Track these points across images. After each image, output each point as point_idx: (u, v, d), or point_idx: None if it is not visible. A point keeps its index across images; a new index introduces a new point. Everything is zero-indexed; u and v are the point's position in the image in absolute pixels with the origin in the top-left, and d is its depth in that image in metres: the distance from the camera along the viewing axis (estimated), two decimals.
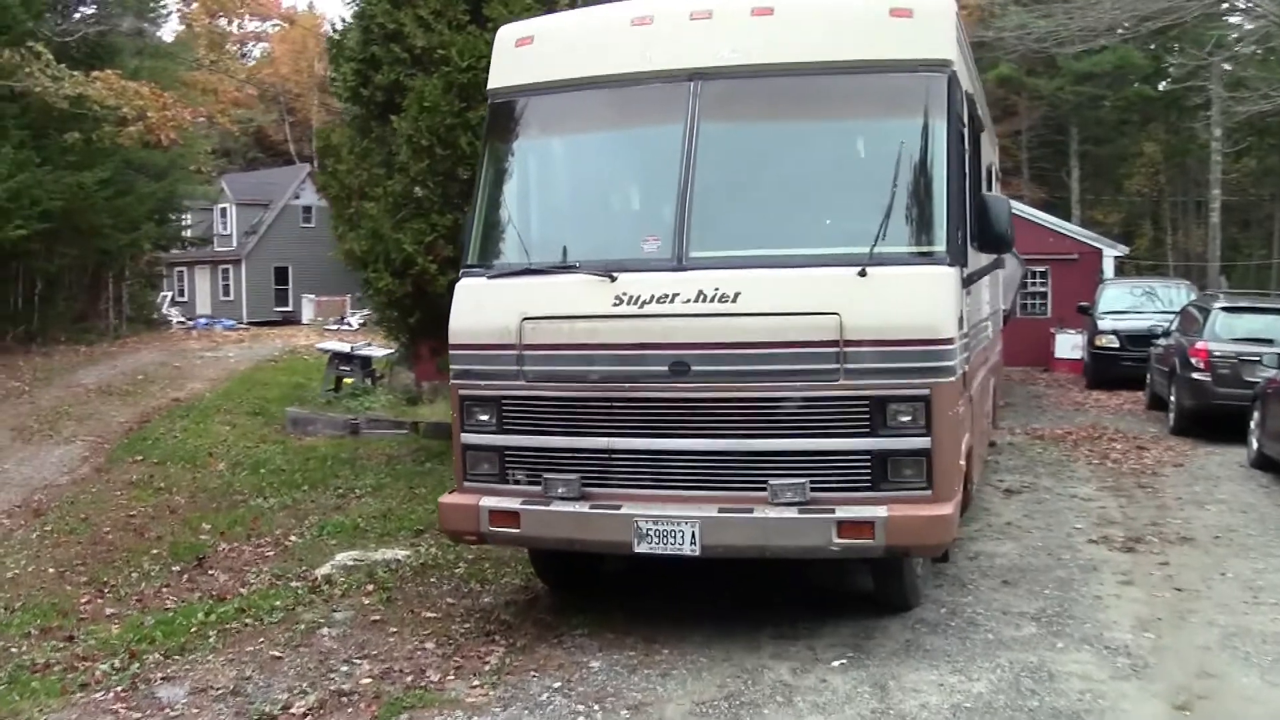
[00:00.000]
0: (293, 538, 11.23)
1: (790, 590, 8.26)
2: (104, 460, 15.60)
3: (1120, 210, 49.30)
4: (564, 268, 7.56)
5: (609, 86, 7.83)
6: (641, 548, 7.00)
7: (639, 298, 7.15)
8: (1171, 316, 19.89)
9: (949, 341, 6.96)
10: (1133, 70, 40.78)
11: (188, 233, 46.99)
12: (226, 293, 56.61)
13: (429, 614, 8.19)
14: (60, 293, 33.01)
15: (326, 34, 17.51)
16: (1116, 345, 22.42)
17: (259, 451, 15.98)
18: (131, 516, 12.24)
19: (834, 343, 6.84)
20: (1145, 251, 47.33)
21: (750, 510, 6.87)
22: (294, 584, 9.44)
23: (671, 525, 6.95)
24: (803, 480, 6.85)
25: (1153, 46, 43.77)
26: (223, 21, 62.11)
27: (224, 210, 55.75)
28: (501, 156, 8.31)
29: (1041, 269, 28.95)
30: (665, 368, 7.07)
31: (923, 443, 6.86)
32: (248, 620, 8.31)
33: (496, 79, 8.29)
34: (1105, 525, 10.53)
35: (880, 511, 6.74)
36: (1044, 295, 29.22)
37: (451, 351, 7.88)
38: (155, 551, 10.78)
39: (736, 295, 7.00)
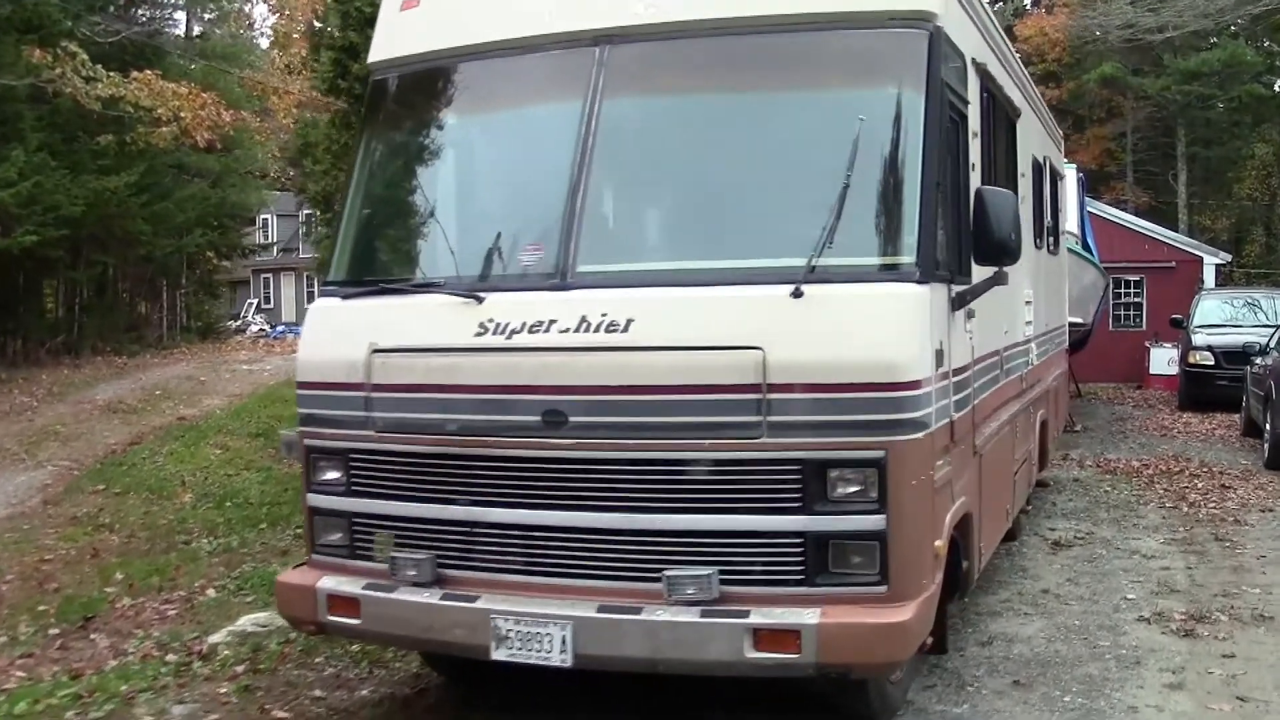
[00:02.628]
0: (210, 591, 9.72)
1: (742, 689, 6.47)
2: (62, 490, 14.26)
3: (1230, 216, 46.28)
4: (423, 286, 5.94)
5: (499, 56, 6.18)
6: (499, 654, 5.33)
7: (507, 325, 5.47)
8: (1271, 331, 17.67)
9: (914, 385, 5.16)
10: (1243, 68, 38.16)
11: (255, 239, 46.25)
12: (311, 299, 55.97)
13: (280, 714, 6.58)
14: (106, 301, 32.20)
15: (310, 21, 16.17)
16: (1211, 362, 20.24)
17: (236, 481, 14.55)
18: (46, 561, 10.82)
19: (755, 387, 5.09)
20: (1256, 259, 44.37)
21: (638, 610, 5.15)
22: (170, 657, 7.90)
23: (537, 627, 5.26)
24: (709, 571, 5.11)
25: (1265, 43, 41.13)
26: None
27: (309, 217, 55.17)
28: (375, 146, 6.71)
29: (1135, 278, 26.81)
30: (537, 417, 5.38)
31: (874, 522, 5.09)
32: (70, 714, 6.78)
33: (376, 51, 6.70)
34: (1164, 595, 8.59)
35: (809, 617, 4.98)
36: (1138, 306, 27.00)
37: (297, 390, 6.29)
38: (43, 608, 9.33)
39: (628, 322, 5.28)
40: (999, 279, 6.10)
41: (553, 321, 5.39)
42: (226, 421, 18.84)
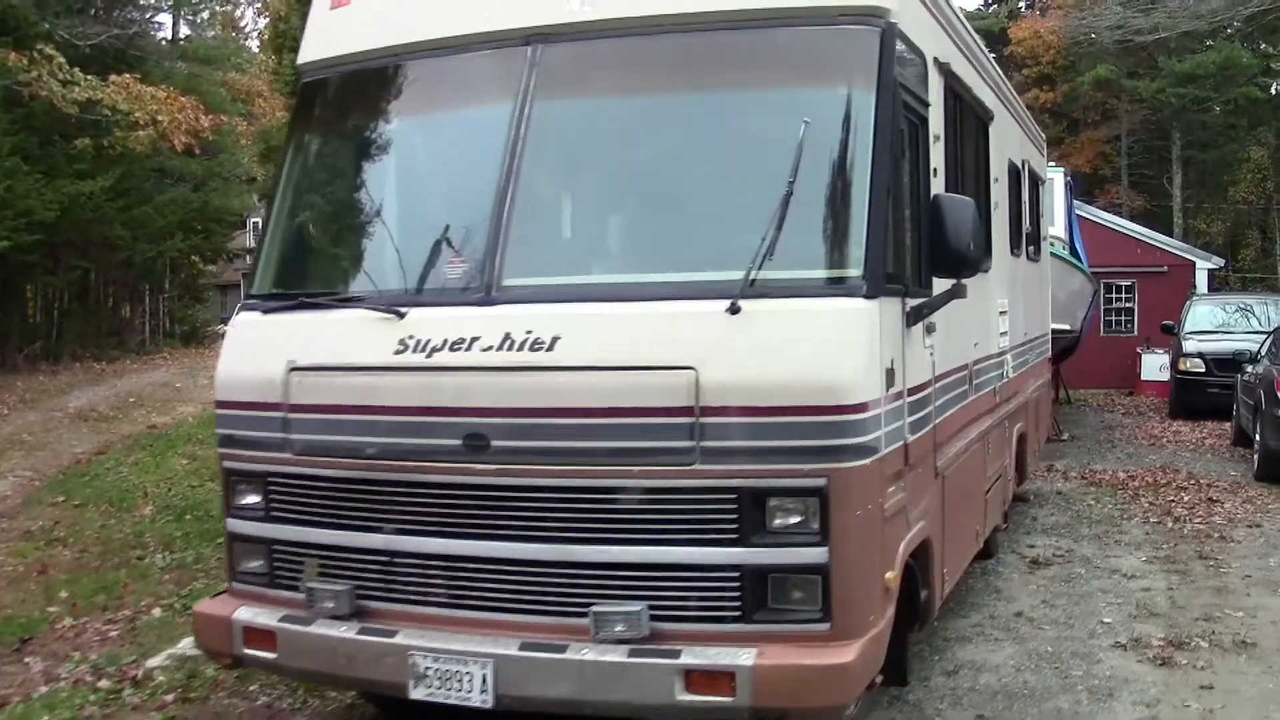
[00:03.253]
0: (156, 611, 9.35)
1: None
2: (20, 502, 13.89)
3: (1225, 220, 45.93)
4: (345, 300, 5.59)
5: (430, 57, 5.85)
6: (418, 692, 5.01)
7: (427, 343, 5.14)
8: (1264, 338, 17.30)
9: (859, 408, 4.81)
10: (1239, 70, 37.84)
11: (244, 242, 45.87)
12: None
13: None
14: (87, 307, 31.83)
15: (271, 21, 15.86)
16: (1202, 369, 19.88)
17: (199, 493, 14.16)
18: None
19: (687, 410, 4.75)
20: (1251, 263, 44.03)
21: (563, 649, 4.81)
22: (102, 683, 7.55)
23: (457, 665, 4.93)
24: (638, 608, 4.77)
25: (1261, 45, 40.81)
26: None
27: None
28: (302, 152, 6.37)
29: (1127, 283, 26.48)
30: (458, 441, 5.04)
31: (816, 555, 4.74)
32: None
33: (306, 51, 6.37)
34: (1143, 618, 8.23)
35: (744, 657, 4.63)
36: (1130, 312, 26.65)
37: (216, 410, 5.94)
38: None
39: (554, 340, 4.94)
40: (957, 292, 5.73)
41: (475, 339, 5.06)
42: (197, 430, 18.46)
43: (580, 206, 5.62)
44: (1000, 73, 9.37)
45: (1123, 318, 26.73)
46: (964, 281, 5.74)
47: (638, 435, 4.80)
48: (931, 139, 6.17)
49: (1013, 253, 9.75)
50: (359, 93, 6.21)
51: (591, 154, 5.58)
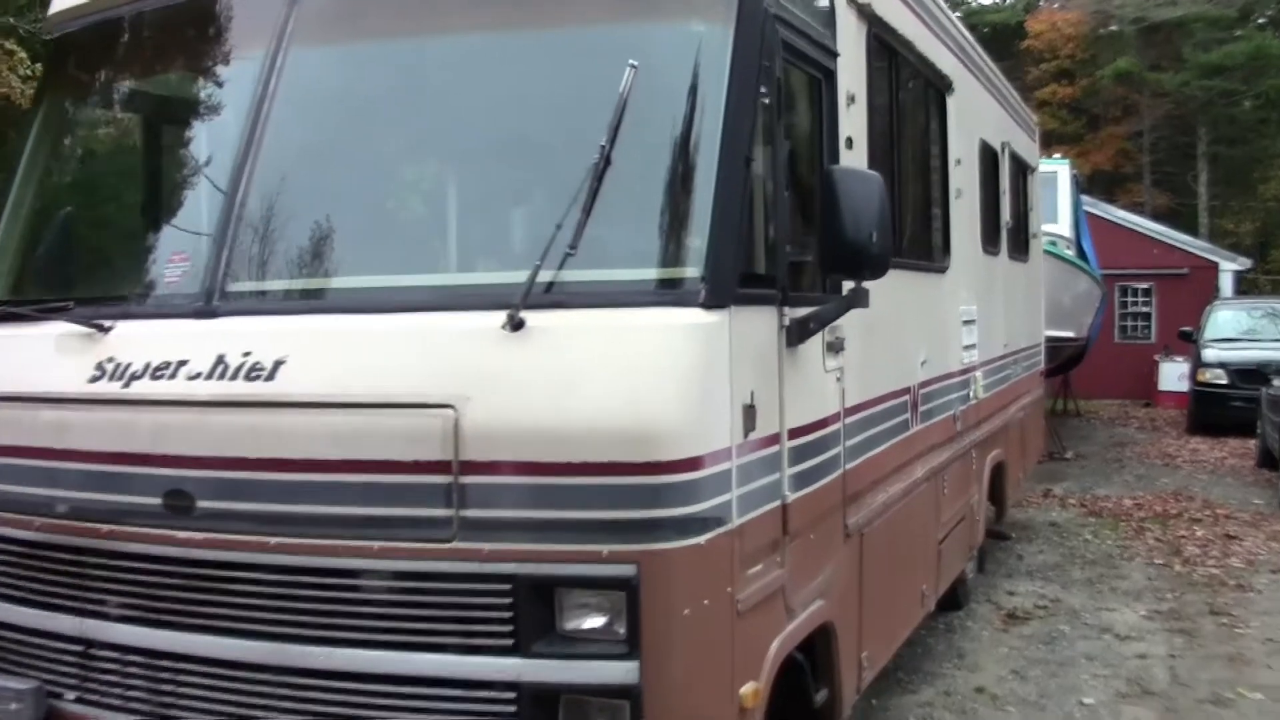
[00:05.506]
0: None
1: None
2: None
3: (1255, 219, 44.09)
4: (46, 310, 4.26)
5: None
6: None
7: (127, 368, 3.85)
8: None
9: (689, 465, 3.43)
10: (1270, 61, 36.16)
11: None
12: None
13: None
14: None
15: None
16: (1224, 381, 18.31)
17: None
18: None
19: (442, 465, 3.42)
20: None
21: None
22: None
23: None
24: None
25: None
26: None
27: None
28: (45, 124, 5.11)
29: (1144, 286, 24.95)
30: (157, 499, 3.73)
31: (622, 672, 3.38)
32: None
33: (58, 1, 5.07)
34: (1135, 698, 6.76)
35: None
36: (1147, 317, 25.13)
37: None
38: None
39: (275, 366, 3.62)
40: (856, 300, 4.30)
41: (182, 363, 3.76)
42: None
43: (335, 186, 4.25)
44: (968, 35, 7.97)
45: (1139, 323, 25.18)
46: (866, 286, 4.31)
47: (378, 498, 3.48)
48: (843, 100, 4.78)
49: (986, 250, 8.34)
50: (104, 49, 4.93)
51: (355, 117, 4.23)
